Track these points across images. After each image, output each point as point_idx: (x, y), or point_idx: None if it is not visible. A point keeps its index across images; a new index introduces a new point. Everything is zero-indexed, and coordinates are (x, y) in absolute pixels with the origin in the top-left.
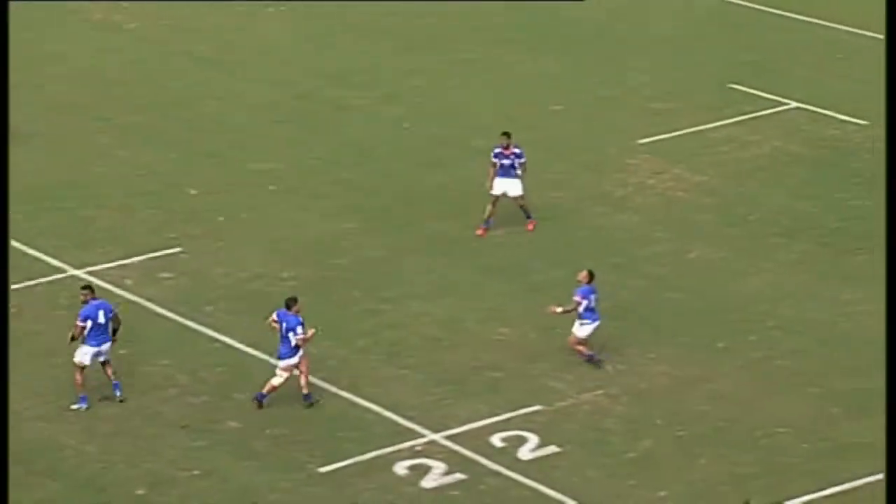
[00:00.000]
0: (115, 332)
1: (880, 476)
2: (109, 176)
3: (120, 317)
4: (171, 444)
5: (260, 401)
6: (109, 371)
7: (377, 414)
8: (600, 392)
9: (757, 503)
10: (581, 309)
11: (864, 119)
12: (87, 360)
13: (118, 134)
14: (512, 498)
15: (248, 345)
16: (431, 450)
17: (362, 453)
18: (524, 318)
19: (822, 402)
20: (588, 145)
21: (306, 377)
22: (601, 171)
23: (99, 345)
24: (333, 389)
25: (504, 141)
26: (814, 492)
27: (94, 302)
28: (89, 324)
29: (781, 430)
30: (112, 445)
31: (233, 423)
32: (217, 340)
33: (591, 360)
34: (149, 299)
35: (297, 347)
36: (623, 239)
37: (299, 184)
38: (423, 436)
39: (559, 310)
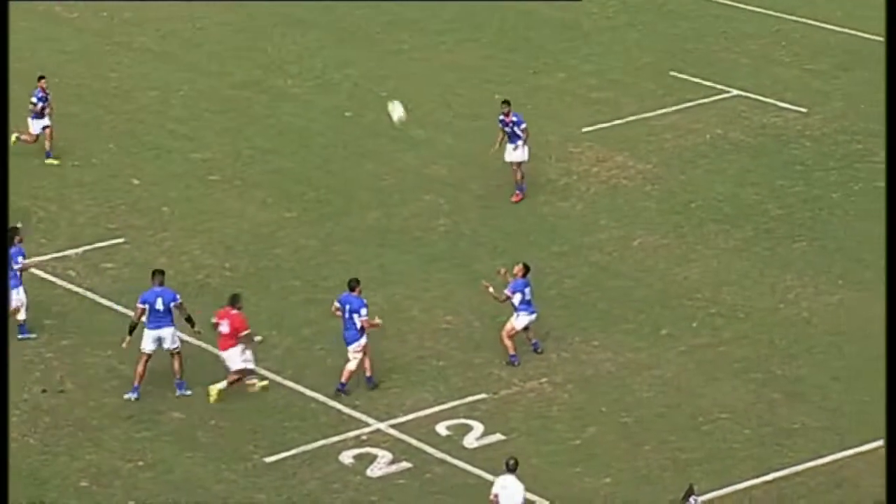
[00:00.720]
0: (189, 320)
1: (821, 461)
2: (44, 166)
3: (186, 307)
4: (115, 435)
5: (342, 390)
6: (177, 364)
7: (322, 403)
8: (545, 380)
9: (700, 489)
10: (515, 302)
11: (803, 107)
12: (148, 347)
13: (53, 124)
14: (457, 485)
15: (192, 335)
16: (377, 439)
17: (308, 443)
18: (469, 306)
19: (764, 388)
20: (530, 134)
21: (370, 360)
22: (544, 159)
23: (157, 328)
24: (278, 379)
25: (504, 108)
26: (755, 477)
27: (156, 288)
28: (147, 308)
29: (724, 415)
30: (54, 437)
31: (176, 414)
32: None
33: (511, 360)
34: (92, 290)
35: (362, 329)
36: (567, 227)
37: (238, 173)
38: (368, 425)
39: (491, 289)
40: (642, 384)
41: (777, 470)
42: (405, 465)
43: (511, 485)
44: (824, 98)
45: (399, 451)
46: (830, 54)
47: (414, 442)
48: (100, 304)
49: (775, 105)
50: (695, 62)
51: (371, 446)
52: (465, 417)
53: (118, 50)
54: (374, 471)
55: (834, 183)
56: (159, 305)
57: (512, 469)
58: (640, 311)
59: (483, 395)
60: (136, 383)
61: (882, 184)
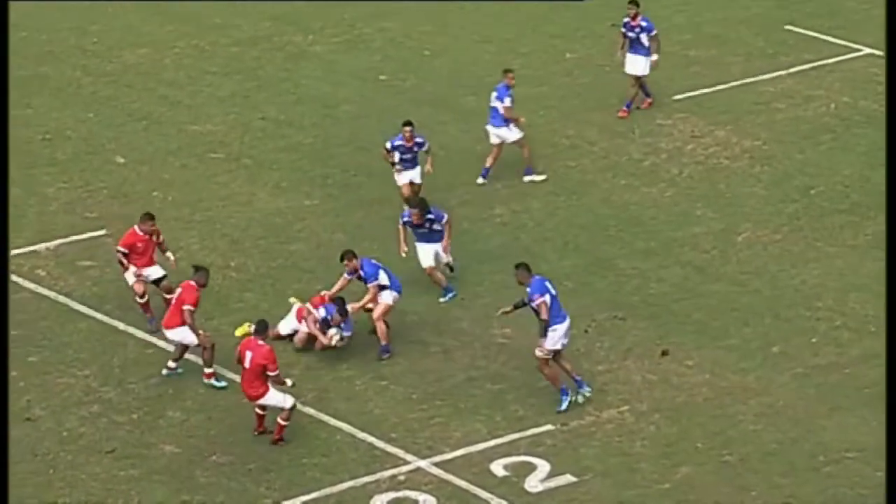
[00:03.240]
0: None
1: None
2: (9, 141)
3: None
4: (94, 473)
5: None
6: (567, 366)
7: (351, 435)
8: (626, 408)
9: None
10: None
11: None
12: (554, 346)
13: (20, 89)
14: None
15: (189, 351)
16: (418, 479)
17: (332, 484)
18: (531, 317)
19: None
20: (609, 103)
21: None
22: (626, 134)
23: (563, 321)
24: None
25: (631, 10)
26: None
27: (537, 277)
28: (547, 298)
29: (850, 454)
30: (18, 475)
31: (169, 448)
32: (151, 345)
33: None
34: (66, 294)
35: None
36: (655, 218)
37: (246, 151)
38: (407, 462)
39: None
40: (748, 414)
41: None
42: None
43: None
44: None
45: (445, 494)
46: None
47: (463, 484)
48: (76, 310)
49: None
50: (815, 13)
51: (410, 489)
52: (526, 454)
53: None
54: None
55: None
56: (554, 290)
57: None
58: (746, 324)
59: (549, 427)
60: (560, 387)
61: None
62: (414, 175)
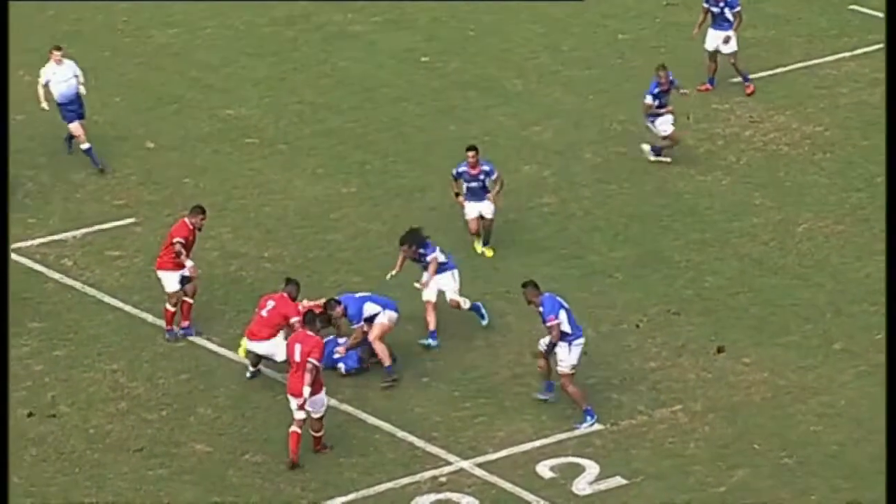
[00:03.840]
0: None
1: None
2: (33, 126)
3: None
4: (121, 472)
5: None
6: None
7: (390, 434)
8: (679, 407)
9: None
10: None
11: None
12: (579, 359)
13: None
14: None
15: (220, 344)
16: (460, 481)
17: (370, 485)
18: (580, 310)
19: None
20: None
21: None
22: (679, 119)
23: (582, 336)
24: (333, 403)
25: None
26: None
27: (547, 294)
28: (563, 316)
29: None
30: (44, 474)
31: (200, 447)
32: (181, 339)
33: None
34: (94, 285)
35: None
36: (710, 208)
37: (282, 136)
38: (449, 463)
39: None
40: (809, 414)
41: None
42: None
43: None
44: None
45: (488, 497)
46: None
47: (508, 486)
48: (103, 302)
49: None
50: None
51: (452, 491)
52: (574, 455)
53: None
54: None
55: None
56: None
57: None
58: (807, 319)
59: (598, 427)
60: (585, 407)
61: None
62: (483, 208)
